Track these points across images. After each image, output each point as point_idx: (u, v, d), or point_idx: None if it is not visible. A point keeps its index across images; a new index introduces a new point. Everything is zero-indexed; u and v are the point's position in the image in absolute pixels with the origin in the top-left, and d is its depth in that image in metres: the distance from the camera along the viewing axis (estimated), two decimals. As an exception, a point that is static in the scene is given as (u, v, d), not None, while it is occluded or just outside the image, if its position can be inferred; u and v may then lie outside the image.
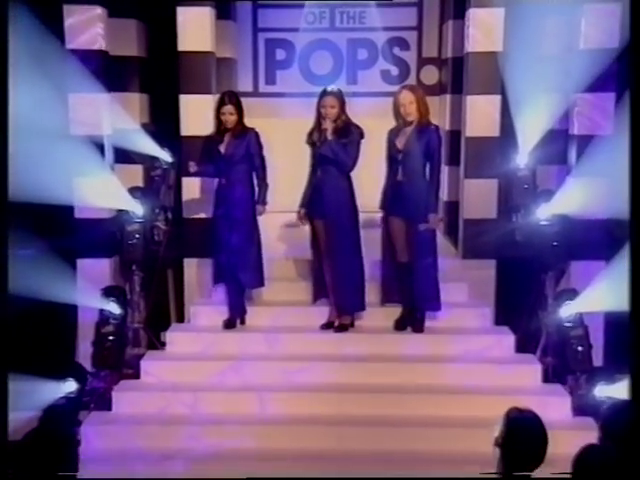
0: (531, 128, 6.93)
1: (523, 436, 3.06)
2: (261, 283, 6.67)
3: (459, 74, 7.57)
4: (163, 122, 7.53)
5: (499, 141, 7.04)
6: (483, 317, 6.74)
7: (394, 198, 6.34)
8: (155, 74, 7.83)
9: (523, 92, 6.78)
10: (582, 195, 6.68)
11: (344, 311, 6.49)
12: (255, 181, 6.60)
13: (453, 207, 7.63)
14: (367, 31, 8.74)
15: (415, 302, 6.46)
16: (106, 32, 6.93)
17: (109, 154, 6.91)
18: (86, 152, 6.63)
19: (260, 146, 6.57)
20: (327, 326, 6.38)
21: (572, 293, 6.53)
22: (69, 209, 6.80)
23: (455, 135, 7.74)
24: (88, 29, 6.75)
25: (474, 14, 6.90)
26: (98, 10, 6.70)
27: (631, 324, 3.35)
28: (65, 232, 6.82)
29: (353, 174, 6.43)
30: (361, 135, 6.32)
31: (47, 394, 5.56)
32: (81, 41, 6.73)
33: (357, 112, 7.52)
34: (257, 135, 6.55)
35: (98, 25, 6.78)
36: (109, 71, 7.00)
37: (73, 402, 5.84)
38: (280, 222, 7.60)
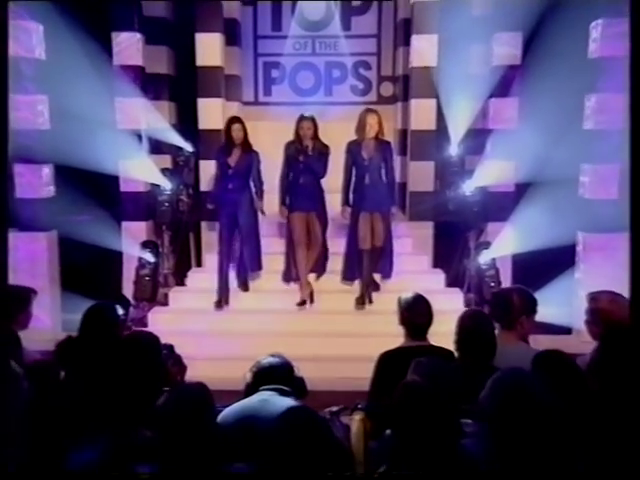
0: (459, 124, 7.12)
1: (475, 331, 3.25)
2: (260, 267, 6.60)
3: (408, 87, 7.65)
4: (185, 122, 7.64)
5: (435, 133, 7.18)
6: (423, 262, 7.04)
7: (362, 197, 6.31)
8: (180, 87, 7.91)
9: (452, 97, 6.98)
10: (494, 173, 6.97)
11: (315, 271, 6.54)
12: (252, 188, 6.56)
13: (402, 186, 7.58)
14: (339, 56, 8.78)
15: (370, 275, 6.43)
16: (143, 54, 7.06)
17: (146, 144, 7.07)
18: (129, 142, 6.86)
19: (259, 162, 6.52)
20: (301, 304, 6.34)
21: (487, 244, 6.96)
22: (116, 184, 7.00)
23: (404, 133, 7.88)
24: (129, 50, 6.92)
25: (416, 38, 7.08)
26: (137, 36, 6.89)
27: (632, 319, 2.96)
28: (113, 202, 7.06)
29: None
30: (329, 151, 6.36)
31: None
32: (124, 59, 6.90)
33: (332, 116, 8.13)
34: (258, 154, 6.52)
35: (137, 48, 6.95)
36: (146, 84, 7.16)
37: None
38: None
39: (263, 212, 6.53)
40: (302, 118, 6.30)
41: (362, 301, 6.31)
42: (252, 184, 6.49)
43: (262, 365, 3.00)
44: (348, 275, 6.53)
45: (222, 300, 6.31)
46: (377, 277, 6.55)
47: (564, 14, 6.48)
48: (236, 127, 6.25)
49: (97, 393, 2.66)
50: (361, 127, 6.20)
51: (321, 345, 5.93)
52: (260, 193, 6.49)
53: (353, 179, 6.35)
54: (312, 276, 6.58)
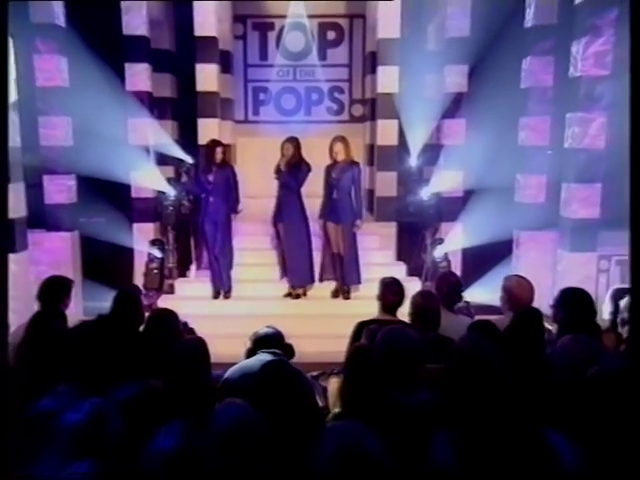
0: (417, 140, 7.20)
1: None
2: (231, 267, 6.43)
3: (374, 108, 7.71)
4: (186, 137, 7.66)
5: (397, 148, 7.29)
6: (388, 256, 7.12)
7: (331, 210, 6.27)
8: (181, 108, 7.98)
9: (411, 118, 7.09)
10: (446, 182, 7.14)
11: (298, 285, 6.44)
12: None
13: (370, 192, 7.75)
14: (317, 82, 8.93)
15: (343, 279, 6.37)
16: (150, 81, 7.11)
17: (153, 157, 7.12)
18: (138, 155, 6.91)
19: (235, 175, 6.39)
20: (287, 295, 6.34)
21: (441, 240, 7.12)
22: (128, 191, 7.06)
23: (372, 147, 7.93)
24: (140, 78, 6.96)
25: (381, 69, 7.22)
26: (146, 66, 6.96)
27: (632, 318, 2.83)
28: (126, 206, 7.11)
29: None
30: (309, 168, 6.24)
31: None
32: (135, 85, 6.95)
33: (311, 133, 8.30)
34: (233, 168, 6.44)
35: (146, 76, 7.02)
36: (152, 105, 7.23)
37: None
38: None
39: (237, 211, 6.41)
40: (285, 140, 6.33)
41: (336, 295, 6.37)
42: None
43: (259, 334, 3.33)
44: (324, 277, 6.48)
45: (218, 292, 6.34)
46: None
47: (501, 51, 6.66)
48: (218, 150, 6.21)
49: (129, 352, 2.86)
50: (330, 153, 6.24)
51: (305, 325, 5.97)
52: (235, 202, 6.36)
53: (324, 196, 6.35)
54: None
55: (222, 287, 6.35)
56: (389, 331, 2.60)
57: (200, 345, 2.55)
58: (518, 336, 3.00)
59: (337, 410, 2.41)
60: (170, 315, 3.32)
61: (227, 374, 3.10)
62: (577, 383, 2.27)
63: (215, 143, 6.31)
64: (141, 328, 3.47)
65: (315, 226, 6.43)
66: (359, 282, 6.24)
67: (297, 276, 6.43)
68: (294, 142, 6.23)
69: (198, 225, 6.47)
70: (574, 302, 3.32)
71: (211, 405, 2.08)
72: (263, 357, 3.13)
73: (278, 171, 6.28)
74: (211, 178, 6.18)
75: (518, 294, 3.71)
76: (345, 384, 2.40)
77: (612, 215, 5.86)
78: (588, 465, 1.84)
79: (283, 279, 6.55)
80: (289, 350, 3.34)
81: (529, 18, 6.55)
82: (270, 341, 3.28)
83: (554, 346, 3.20)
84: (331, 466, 1.63)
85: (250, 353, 3.27)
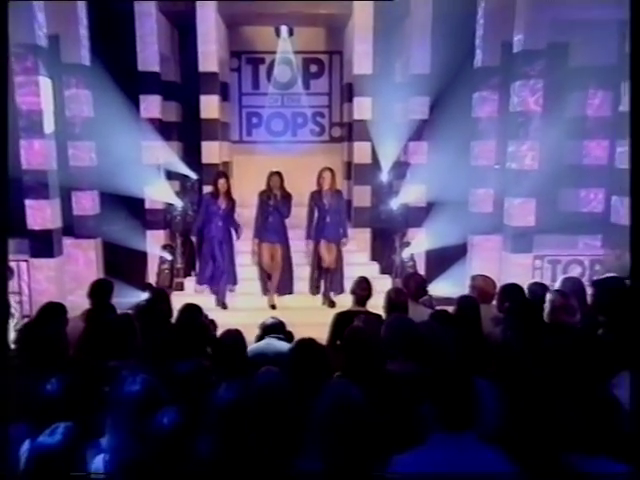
0: (387, 159, 7.37)
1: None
2: (236, 282, 6.50)
3: (351, 131, 7.88)
4: (190, 156, 7.71)
5: (371, 166, 7.45)
6: (364, 257, 7.32)
7: (322, 230, 6.32)
8: (185, 131, 8.17)
9: (383, 140, 7.30)
10: (412, 194, 7.32)
11: (282, 293, 6.48)
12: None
13: (349, 202, 7.66)
14: (302, 107, 9.10)
15: (330, 289, 6.46)
16: (161, 108, 7.33)
17: (163, 174, 7.21)
18: (151, 173, 7.08)
19: (235, 205, 6.39)
20: (272, 307, 6.27)
21: (408, 244, 7.28)
22: (142, 203, 7.23)
23: (349, 164, 8.12)
24: (152, 107, 7.19)
25: (356, 99, 7.42)
26: (157, 96, 7.19)
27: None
28: (140, 216, 7.26)
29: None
30: (291, 198, 6.31)
31: (134, 296, 5.60)
32: (148, 113, 7.18)
33: (296, 151, 8.70)
34: (235, 201, 6.42)
35: (157, 105, 7.24)
36: (162, 129, 7.37)
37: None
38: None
39: (238, 237, 6.49)
40: (272, 174, 6.30)
41: (325, 303, 6.47)
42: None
43: (266, 323, 3.81)
44: (312, 290, 6.54)
45: (220, 302, 6.39)
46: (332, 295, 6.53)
47: (456, 86, 6.92)
48: (222, 181, 6.25)
49: (165, 337, 3.26)
50: (318, 180, 6.32)
51: (295, 316, 5.79)
52: (238, 227, 6.40)
53: (315, 219, 6.36)
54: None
55: (219, 301, 6.40)
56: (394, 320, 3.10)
57: (239, 334, 3.07)
58: (464, 320, 3.50)
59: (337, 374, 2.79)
60: (197, 308, 3.84)
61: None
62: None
63: (221, 175, 6.46)
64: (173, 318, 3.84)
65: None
66: (343, 291, 6.29)
67: (282, 288, 6.48)
68: (280, 176, 6.30)
69: (204, 244, 6.47)
70: (510, 294, 3.77)
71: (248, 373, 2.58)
72: (270, 341, 3.60)
73: (269, 198, 6.25)
74: (222, 204, 6.27)
75: (484, 289, 4.10)
76: (345, 356, 2.82)
77: (544, 223, 6.39)
78: (504, 406, 2.41)
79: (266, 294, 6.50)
80: (289, 335, 3.78)
81: (477, 60, 6.87)
82: (275, 328, 3.75)
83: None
84: (326, 410, 2.02)
85: (259, 337, 3.73)
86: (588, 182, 6.95)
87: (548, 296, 3.47)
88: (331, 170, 6.39)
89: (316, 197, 6.36)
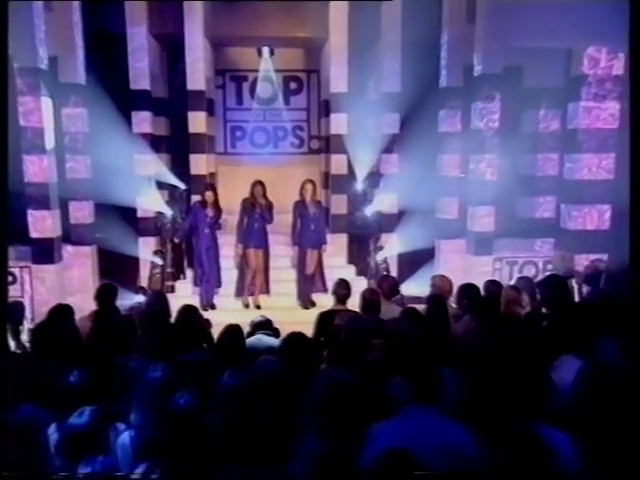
0: (362, 170, 7.56)
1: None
2: (220, 284, 6.66)
3: (328, 144, 8.00)
4: (179, 168, 7.83)
5: (347, 176, 7.63)
6: (341, 260, 7.45)
7: (306, 238, 6.51)
8: (174, 144, 8.25)
9: (357, 153, 7.49)
10: (385, 202, 7.54)
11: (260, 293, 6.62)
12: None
13: (327, 210, 7.68)
14: (283, 122, 9.29)
15: (312, 290, 6.61)
16: (151, 123, 7.43)
17: (153, 184, 7.35)
18: (142, 183, 7.19)
19: (221, 215, 6.55)
20: (257, 307, 6.40)
21: (381, 247, 7.41)
22: (134, 212, 7.31)
23: (327, 174, 8.23)
24: (143, 122, 7.31)
25: (333, 115, 7.57)
26: (148, 113, 7.31)
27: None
28: (132, 223, 7.31)
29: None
30: (273, 205, 6.48)
31: (129, 299, 5.68)
32: (140, 128, 7.28)
33: (277, 162, 8.87)
34: (221, 209, 6.58)
35: (148, 120, 7.36)
36: (152, 143, 7.45)
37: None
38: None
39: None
40: (255, 183, 6.43)
41: (310, 306, 6.59)
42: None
43: (256, 321, 4.09)
44: (299, 294, 6.68)
45: (206, 304, 6.47)
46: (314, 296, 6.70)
47: (424, 104, 7.14)
48: (209, 193, 6.45)
49: (168, 333, 3.61)
50: (301, 190, 6.51)
51: (278, 316, 5.88)
52: (219, 228, 6.56)
53: (298, 227, 6.53)
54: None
55: (208, 302, 6.52)
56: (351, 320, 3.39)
57: (238, 328, 3.38)
58: (432, 316, 3.81)
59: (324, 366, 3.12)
60: (194, 309, 4.10)
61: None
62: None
63: (209, 188, 6.63)
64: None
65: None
66: (326, 291, 6.39)
67: (261, 288, 6.67)
68: (262, 185, 6.45)
69: (194, 250, 6.64)
70: (467, 292, 4.11)
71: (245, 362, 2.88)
72: (260, 336, 3.87)
73: (253, 206, 6.39)
74: (210, 214, 6.49)
75: (442, 287, 4.39)
76: (328, 350, 3.20)
77: (503, 228, 6.72)
78: (464, 387, 2.76)
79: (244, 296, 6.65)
80: (277, 332, 4.05)
81: (442, 81, 7.18)
82: (264, 325, 4.03)
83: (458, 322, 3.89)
84: (324, 392, 2.37)
85: (250, 334, 3.97)
86: (541, 191, 7.31)
87: (503, 292, 3.84)
88: (313, 182, 6.61)
89: (299, 207, 6.56)
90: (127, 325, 3.58)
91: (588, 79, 6.32)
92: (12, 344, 3.73)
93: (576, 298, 4.78)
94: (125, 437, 2.46)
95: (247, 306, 6.51)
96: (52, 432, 2.48)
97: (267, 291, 6.75)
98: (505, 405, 2.50)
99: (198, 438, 2.19)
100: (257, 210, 6.42)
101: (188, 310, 4.01)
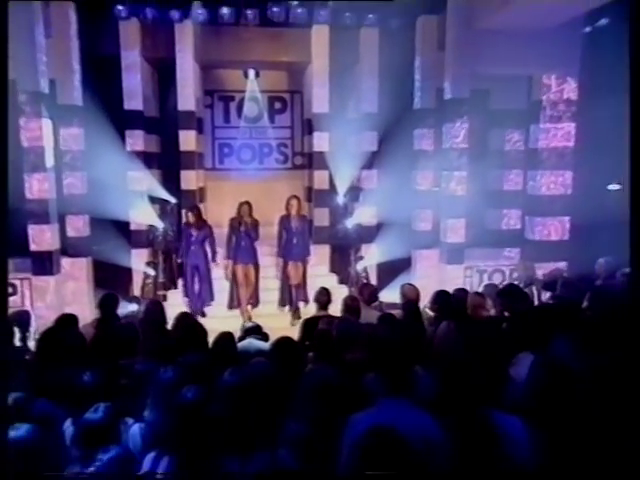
0: (343, 185, 7.78)
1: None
2: (213, 298, 6.87)
3: (311, 161, 8.20)
4: (170, 183, 7.90)
5: (329, 190, 7.83)
6: (324, 269, 7.72)
7: (290, 251, 6.67)
8: (164, 160, 8.28)
9: (339, 169, 7.70)
10: (364, 215, 7.73)
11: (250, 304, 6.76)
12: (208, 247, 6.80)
13: (310, 222, 7.81)
14: (268, 139, 9.45)
15: (297, 301, 6.79)
16: (144, 141, 7.57)
17: (146, 199, 7.47)
18: (135, 198, 7.34)
19: (212, 232, 6.76)
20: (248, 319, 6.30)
21: (362, 257, 7.70)
22: (128, 225, 7.43)
23: (310, 189, 8.48)
24: (136, 140, 7.43)
25: (316, 134, 7.78)
26: (142, 132, 7.45)
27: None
28: (126, 236, 7.44)
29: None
30: (259, 223, 6.63)
31: (123, 307, 5.52)
32: (133, 146, 7.40)
33: (262, 177, 9.09)
34: (211, 227, 6.79)
35: (141, 138, 7.48)
36: (145, 159, 7.57)
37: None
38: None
39: (214, 260, 6.83)
40: (241, 204, 6.58)
41: (296, 317, 6.71)
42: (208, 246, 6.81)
43: (246, 326, 4.37)
44: (281, 302, 6.92)
45: (197, 313, 6.53)
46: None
47: (400, 123, 7.43)
48: (189, 214, 6.72)
49: (166, 339, 3.87)
50: (286, 206, 6.70)
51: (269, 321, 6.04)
52: (213, 254, 6.80)
53: (284, 240, 6.69)
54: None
55: (196, 311, 6.60)
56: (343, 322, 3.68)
57: (229, 335, 3.64)
58: (407, 320, 4.10)
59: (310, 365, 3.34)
60: (190, 316, 4.35)
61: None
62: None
63: (194, 209, 6.81)
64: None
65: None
66: (308, 302, 6.58)
67: (251, 301, 6.81)
68: (249, 204, 6.61)
69: (182, 267, 6.82)
70: (439, 298, 4.40)
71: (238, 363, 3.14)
72: (251, 340, 4.11)
73: (240, 225, 6.54)
74: (194, 233, 6.72)
75: (409, 295, 4.63)
76: (313, 352, 3.45)
77: (473, 238, 7.04)
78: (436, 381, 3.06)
79: (234, 309, 6.79)
80: (266, 336, 4.28)
81: (417, 102, 7.51)
82: (254, 330, 4.28)
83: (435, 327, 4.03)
84: (312, 386, 2.59)
85: (241, 338, 4.22)
86: (507, 204, 7.63)
87: (469, 297, 4.17)
88: (297, 198, 6.83)
89: (285, 221, 6.75)
90: (130, 331, 3.80)
91: (544, 103, 6.73)
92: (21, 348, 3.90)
93: (535, 302, 5.10)
94: (135, 429, 2.71)
95: (249, 318, 6.51)
96: (68, 426, 2.71)
97: (256, 304, 6.89)
98: (469, 396, 2.79)
99: (202, 427, 2.45)
100: (243, 228, 6.56)
101: (186, 317, 4.23)
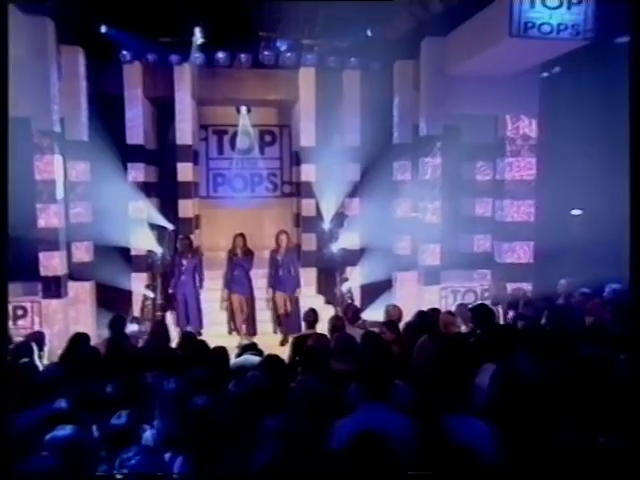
0: (328, 212, 7.96)
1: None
2: (202, 326, 6.96)
3: (299, 189, 8.50)
4: (169, 210, 8.10)
5: (316, 217, 8.04)
6: (311, 290, 7.92)
7: (279, 282, 6.90)
8: (162, 189, 8.53)
9: (325, 197, 7.95)
10: (348, 240, 7.93)
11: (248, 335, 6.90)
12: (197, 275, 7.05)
13: (298, 246, 8.14)
14: (259, 169, 9.75)
15: (287, 330, 6.88)
16: (144, 172, 7.86)
17: (146, 225, 7.62)
18: (136, 225, 7.53)
19: (201, 261, 6.99)
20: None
21: (346, 279, 7.87)
22: (128, 250, 7.65)
23: (298, 215, 8.68)
24: (138, 172, 7.71)
25: (303, 166, 8.13)
26: (142, 164, 7.73)
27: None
28: (126, 261, 7.65)
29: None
30: (253, 254, 6.89)
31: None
32: (135, 178, 7.68)
33: (253, 205, 9.36)
34: (200, 256, 7.05)
35: (142, 171, 7.75)
36: (145, 189, 7.83)
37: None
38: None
39: (201, 287, 7.10)
40: (236, 236, 6.85)
41: (284, 343, 6.85)
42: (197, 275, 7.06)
43: (243, 344, 4.77)
44: (274, 329, 7.25)
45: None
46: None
47: (381, 156, 7.72)
48: (185, 243, 6.97)
49: (172, 356, 4.22)
50: (276, 240, 6.94)
51: (262, 339, 6.46)
52: (200, 281, 7.05)
53: (274, 273, 6.96)
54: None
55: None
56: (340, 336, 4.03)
57: (224, 351, 3.98)
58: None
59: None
60: (194, 335, 4.69)
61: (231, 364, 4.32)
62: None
63: (185, 239, 7.02)
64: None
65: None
66: (300, 330, 6.31)
67: (247, 330, 7.04)
68: (243, 236, 6.87)
69: (172, 295, 6.98)
70: (419, 319, 4.76)
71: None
72: (248, 356, 4.42)
73: (234, 255, 6.77)
74: (185, 262, 6.97)
75: (393, 314, 4.98)
76: (302, 365, 3.78)
77: (448, 261, 7.41)
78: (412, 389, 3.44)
79: (234, 332, 7.05)
80: (261, 352, 4.59)
81: (395, 137, 7.90)
82: (250, 347, 4.64)
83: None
84: (301, 394, 2.91)
85: (239, 354, 4.54)
86: (479, 230, 8.02)
87: (441, 316, 4.58)
88: (286, 233, 7.13)
89: (274, 255, 7.01)
90: (137, 349, 4.14)
91: (507, 139, 7.27)
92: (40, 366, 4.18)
93: (501, 320, 5.52)
94: (148, 435, 3.04)
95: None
96: (94, 431, 3.03)
97: (254, 333, 7.05)
98: (441, 402, 3.15)
99: (211, 429, 2.80)
100: (236, 260, 6.82)
101: (190, 336, 4.60)
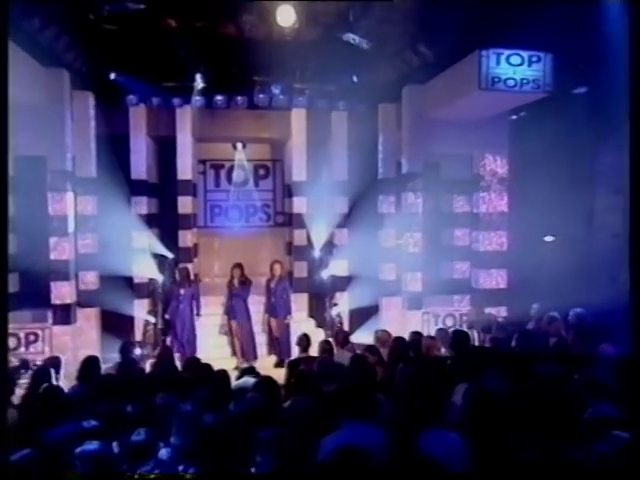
0: (319, 241, 8.12)
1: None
2: (195, 352, 6.96)
3: (291, 220, 8.70)
4: (169, 239, 8.18)
5: (307, 246, 8.23)
6: (302, 314, 8.13)
7: (272, 308, 7.26)
8: (162, 220, 8.61)
9: (315, 227, 8.14)
10: (338, 267, 8.09)
11: (246, 359, 7.16)
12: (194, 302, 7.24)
13: (290, 273, 8.30)
14: (253, 200, 10.07)
15: (280, 354, 7.21)
16: (147, 205, 7.95)
17: (148, 254, 7.75)
18: (138, 255, 7.67)
19: (198, 290, 7.20)
20: (235, 368, 6.46)
21: (336, 304, 8.01)
22: (131, 279, 7.77)
23: (290, 243, 8.85)
24: (141, 205, 7.88)
25: (295, 199, 8.40)
26: (145, 198, 7.85)
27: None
28: (129, 288, 7.77)
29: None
30: (251, 283, 7.17)
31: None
32: (138, 210, 7.76)
33: (247, 234, 9.62)
34: (197, 285, 7.24)
35: (145, 204, 7.91)
36: (146, 220, 7.88)
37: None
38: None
39: (199, 315, 7.31)
40: (233, 266, 7.18)
41: (278, 365, 7.16)
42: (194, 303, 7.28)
43: (242, 368, 5.08)
44: (269, 351, 7.57)
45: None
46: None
47: (367, 190, 8.02)
48: (183, 272, 7.23)
49: (179, 378, 4.53)
50: (271, 269, 7.30)
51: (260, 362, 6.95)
52: (198, 308, 7.30)
53: (268, 299, 7.35)
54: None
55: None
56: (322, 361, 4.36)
57: (225, 374, 4.29)
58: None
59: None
60: (197, 359, 5.00)
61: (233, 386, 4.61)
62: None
63: (183, 270, 7.26)
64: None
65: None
66: (289, 356, 6.88)
67: (248, 354, 7.32)
68: (240, 267, 7.20)
69: (169, 323, 7.18)
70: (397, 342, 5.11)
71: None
72: (247, 378, 4.75)
73: (232, 285, 7.14)
74: (182, 292, 7.21)
75: (384, 338, 5.24)
76: (294, 387, 4.11)
77: (429, 287, 7.73)
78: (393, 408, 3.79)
79: (233, 356, 7.37)
80: (258, 374, 4.88)
81: (380, 173, 8.28)
82: (249, 370, 4.96)
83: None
84: (293, 413, 3.27)
85: (239, 377, 4.84)
86: (457, 257, 8.36)
87: (423, 340, 4.94)
88: (280, 262, 7.49)
89: (269, 283, 7.39)
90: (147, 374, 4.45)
91: (481, 175, 7.75)
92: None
93: (476, 342, 5.89)
94: (163, 452, 3.35)
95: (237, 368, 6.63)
96: (114, 445, 3.35)
97: (254, 357, 7.30)
98: (418, 418, 3.48)
99: (217, 443, 3.13)
100: (232, 290, 7.18)
101: (195, 360, 4.90)
